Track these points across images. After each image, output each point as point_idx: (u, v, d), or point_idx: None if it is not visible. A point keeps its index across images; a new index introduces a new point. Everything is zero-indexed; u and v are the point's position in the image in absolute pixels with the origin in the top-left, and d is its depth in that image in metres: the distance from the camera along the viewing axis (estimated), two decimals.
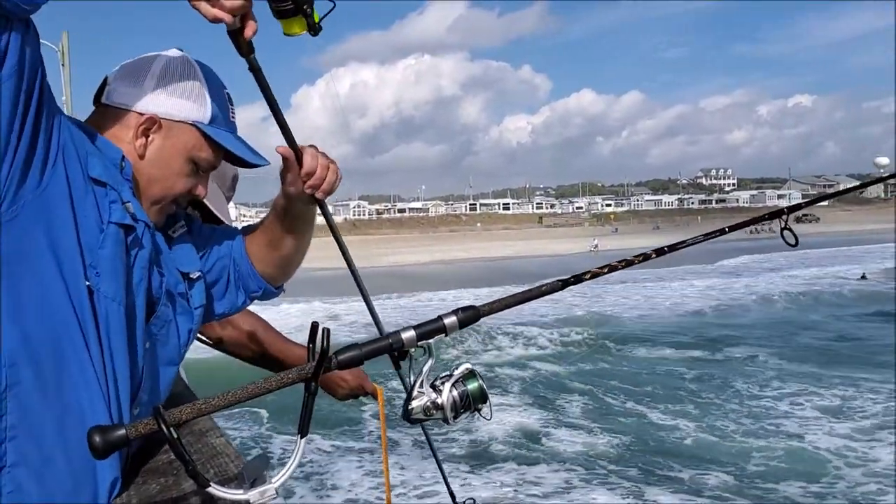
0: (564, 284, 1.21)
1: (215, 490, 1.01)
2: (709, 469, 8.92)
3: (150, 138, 1.32)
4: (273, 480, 1.06)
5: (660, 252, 1.32)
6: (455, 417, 1.16)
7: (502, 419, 10.60)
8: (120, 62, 1.38)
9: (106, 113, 1.33)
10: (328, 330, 1.10)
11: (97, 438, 0.92)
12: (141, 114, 1.31)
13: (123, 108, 1.32)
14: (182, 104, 1.33)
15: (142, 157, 1.32)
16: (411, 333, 1.08)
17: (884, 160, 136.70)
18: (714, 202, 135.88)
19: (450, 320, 1.11)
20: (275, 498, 1.44)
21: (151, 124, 1.32)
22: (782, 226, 1.40)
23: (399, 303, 25.30)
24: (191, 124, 1.34)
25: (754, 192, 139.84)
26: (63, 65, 15.18)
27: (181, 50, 1.40)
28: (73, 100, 15.62)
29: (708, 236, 1.39)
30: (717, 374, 13.56)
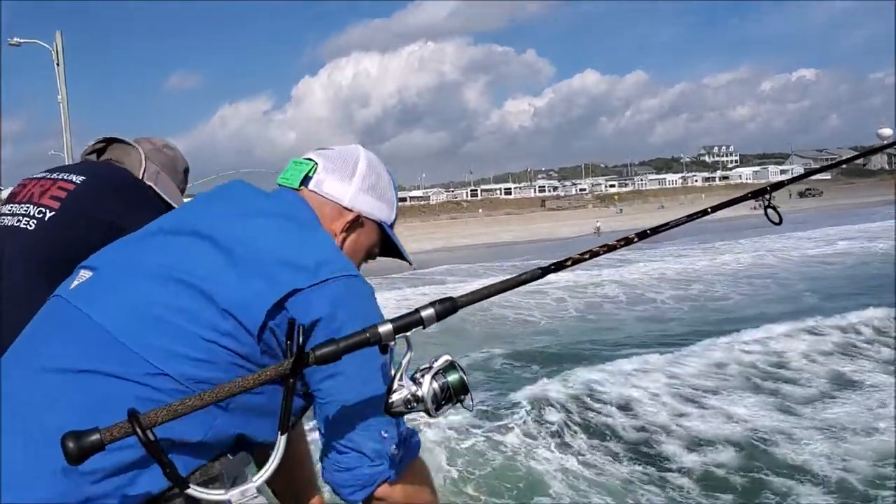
0: (544, 272, 1.20)
1: (195, 491, 1.01)
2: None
3: (353, 231, 1.45)
4: (254, 479, 1.05)
5: (642, 235, 1.31)
6: (437, 409, 1.16)
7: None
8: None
9: (312, 198, 1.43)
10: (304, 326, 1.09)
11: (71, 444, 0.91)
12: (348, 209, 1.43)
13: (333, 201, 1.43)
14: (380, 206, 1.48)
15: (340, 247, 1.43)
16: (388, 327, 1.07)
17: (887, 131, 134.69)
18: (717, 179, 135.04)
19: (427, 312, 1.10)
20: (256, 496, 1.45)
21: (356, 219, 1.44)
22: (766, 204, 1.38)
23: (405, 292, 25.25)
24: (379, 223, 1.48)
25: (757, 168, 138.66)
26: (58, 64, 15.14)
27: (363, 146, 1.54)
28: (69, 97, 15.60)
29: (691, 217, 1.38)
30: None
